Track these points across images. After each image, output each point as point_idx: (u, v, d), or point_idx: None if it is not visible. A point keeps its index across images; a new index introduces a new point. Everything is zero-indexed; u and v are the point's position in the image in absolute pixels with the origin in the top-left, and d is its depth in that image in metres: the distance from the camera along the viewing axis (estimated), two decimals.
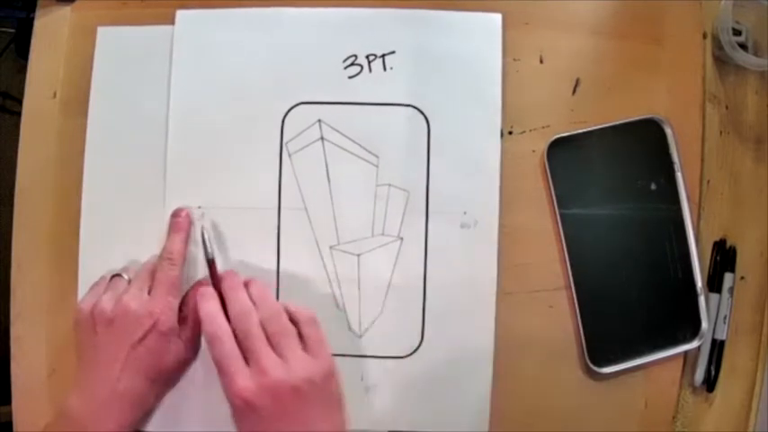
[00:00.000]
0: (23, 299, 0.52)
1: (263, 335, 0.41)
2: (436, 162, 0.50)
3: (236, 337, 0.42)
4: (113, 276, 0.48)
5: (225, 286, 0.45)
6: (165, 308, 0.45)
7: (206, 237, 0.47)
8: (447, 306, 0.49)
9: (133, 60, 0.52)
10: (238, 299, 0.44)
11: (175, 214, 0.49)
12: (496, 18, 0.50)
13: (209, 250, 0.47)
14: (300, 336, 0.42)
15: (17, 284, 0.52)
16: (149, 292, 0.46)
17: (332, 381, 0.42)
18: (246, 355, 0.41)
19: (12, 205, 0.52)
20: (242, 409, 0.39)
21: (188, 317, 0.48)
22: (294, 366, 0.40)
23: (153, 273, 0.47)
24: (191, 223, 0.49)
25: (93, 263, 0.51)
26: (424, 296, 0.49)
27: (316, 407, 0.40)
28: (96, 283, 0.49)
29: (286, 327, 0.42)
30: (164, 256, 0.47)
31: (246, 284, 0.46)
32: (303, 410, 0.40)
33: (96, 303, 0.45)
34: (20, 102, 0.53)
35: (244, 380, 0.40)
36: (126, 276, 0.48)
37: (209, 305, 0.44)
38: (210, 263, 0.47)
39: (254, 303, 0.44)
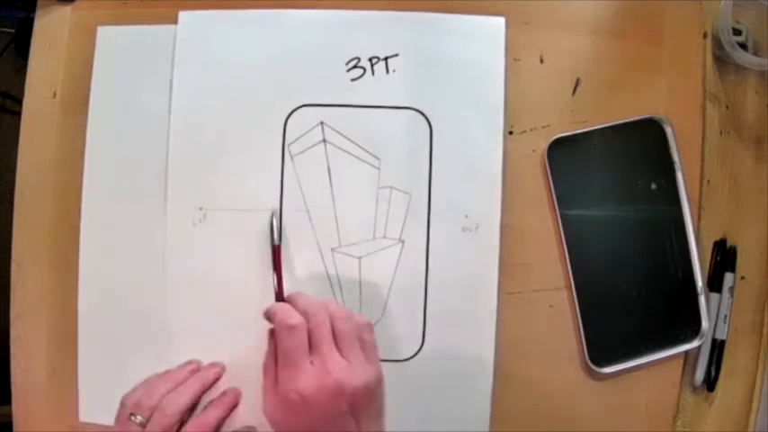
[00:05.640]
0: (23, 299, 0.52)
1: (332, 335, 0.41)
2: (438, 165, 0.49)
3: None
4: (129, 415, 0.44)
5: (288, 293, 0.46)
6: None
7: (274, 224, 0.48)
8: (448, 309, 0.49)
9: (133, 60, 0.52)
10: (308, 297, 0.44)
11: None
12: (500, 21, 0.50)
13: (275, 236, 0.48)
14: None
15: (17, 284, 0.52)
16: None
17: (382, 388, 0.42)
18: (311, 351, 0.41)
19: (12, 205, 0.52)
20: (295, 404, 0.39)
21: None
22: (357, 371, 0.40)
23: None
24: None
25: (93, 263, 0.51)
26: (425, 299, 0.49)
27: (367, 411, 0.41)
28: (117, 418, 0.45)
29: (352, 330, 0.42)
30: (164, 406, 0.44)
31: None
32: (356, 413, 0.40)
33: None
34: (20, 102, 0.53)
35: (307, 376, 0.39)
36: (139, 418, 0.44)
37: (281, 303, 0.44)
38: (275, 249, 0.48)
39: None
